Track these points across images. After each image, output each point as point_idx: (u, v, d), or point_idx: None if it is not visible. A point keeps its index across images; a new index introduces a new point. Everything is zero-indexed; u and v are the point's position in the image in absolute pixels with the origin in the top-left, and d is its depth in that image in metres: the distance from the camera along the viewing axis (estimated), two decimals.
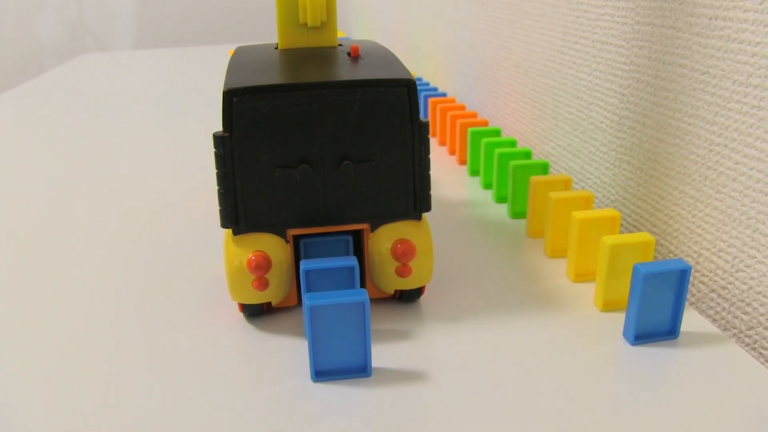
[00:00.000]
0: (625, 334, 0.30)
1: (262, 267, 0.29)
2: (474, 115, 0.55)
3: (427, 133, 0.31)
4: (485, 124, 0.53)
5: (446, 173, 0.51)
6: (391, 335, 0.31)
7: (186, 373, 0.29)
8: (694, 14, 0.34)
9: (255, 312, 0.32)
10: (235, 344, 0.31)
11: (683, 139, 0.36)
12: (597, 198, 0.45)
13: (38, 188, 0.51)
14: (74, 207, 0.47)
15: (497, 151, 0.44)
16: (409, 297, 0.33)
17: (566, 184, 0.39)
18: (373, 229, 0.31)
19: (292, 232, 0.31)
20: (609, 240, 0.31)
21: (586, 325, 0.31)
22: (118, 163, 0.57)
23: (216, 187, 0.29)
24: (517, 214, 0.43)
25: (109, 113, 0.76)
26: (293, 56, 0.33)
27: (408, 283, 0.32)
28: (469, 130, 0.50)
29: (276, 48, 0.36)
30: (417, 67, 0.88)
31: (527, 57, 0.54)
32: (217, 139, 0.29)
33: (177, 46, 1.43)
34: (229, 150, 0.29)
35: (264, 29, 1.57)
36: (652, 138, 0.38)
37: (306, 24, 0.34)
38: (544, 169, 0.42)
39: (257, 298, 0.31)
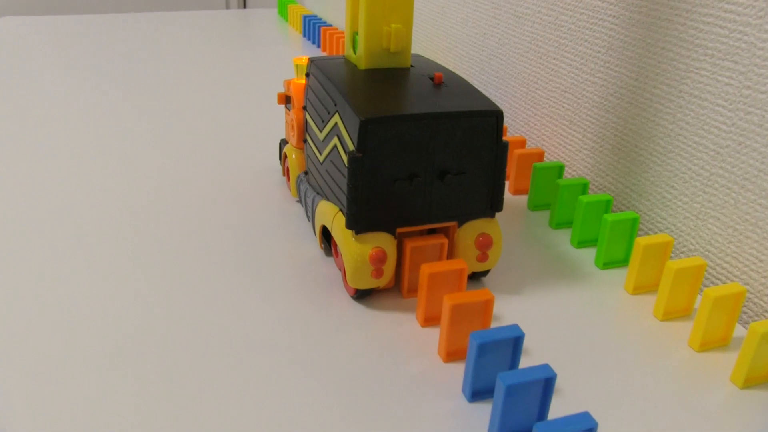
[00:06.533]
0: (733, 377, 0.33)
1: (381, 260, 0.37)
2: (523, 141, 0.55)
3: (507, 151, 0.38)
4: (541, 155, 0.52)
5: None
6: None
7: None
8: None
9: (364, 294, 0.39)
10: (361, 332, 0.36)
11: None
12: (675, 246, 0.46)
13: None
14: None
15: (583, 200, 0.44)
16: (478, 275, 0.42)
17: (668, 246, 0.40)
18: (460, 225, 0.39)
19: (400, 230, 0.38)
20: (713, 293, 0.35)
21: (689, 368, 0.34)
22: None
23: (346, 196, 0.36)
24: (607, 264, 0.43)
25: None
26: (389, 81, 0.40)
27: (484, 267, 0.40)
28: (535, 166, 0.49)
29: (352, 64, 0.42)
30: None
31: (581, 87, 0.53)
32: (352, 159, 0.35)
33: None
34: (361, 167, 0.35)
35: None
36: (752, 202, 0.40)
37: (388, 48, 0.41)
38: (634, 222, 0.43)
39: (373, 284, 0.38)
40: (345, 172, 0.37)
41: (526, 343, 0.36)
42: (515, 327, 0.30)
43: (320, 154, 0.42)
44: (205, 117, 0.68)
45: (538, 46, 0.58)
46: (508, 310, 0.39)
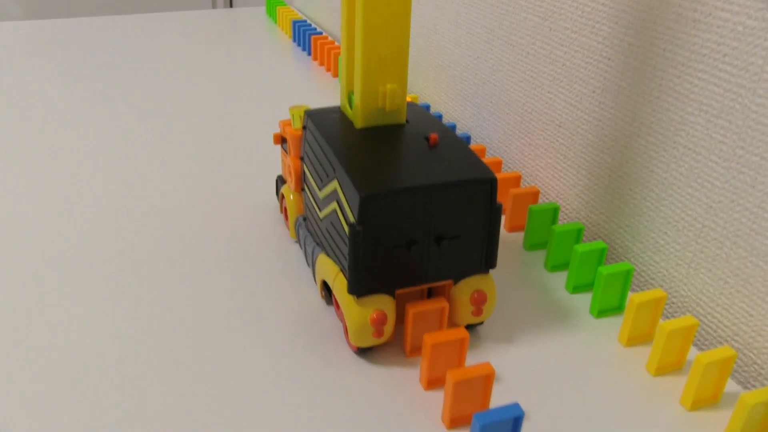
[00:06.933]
0: None
1: (382, 322, 0.38)
2: (518, 178, 0.55)
3: (501, 213, 0.39)
4: (536, 194, 0.53)
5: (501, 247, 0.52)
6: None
7: None
8: None
9: (366, 350, 0.41)
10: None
11: None
12: (668, 297, 0.47)
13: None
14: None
15: (578, 249, 0.45)
16: (472, 327, 0.43)
17: (661, 301, 0.41)
18: (456, 282, 0.41)
19: (399, 291, 0.40)
20: (704, 358, 0.36)
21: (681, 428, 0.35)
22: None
23: (347, 263, 0.38)
24: (602, 313, 0.44)
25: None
26: (385, 145, 0.40)
27: (478, 319, 0.42)
28: (530, 208, 0.50)
29: (348, 120, 0.43)
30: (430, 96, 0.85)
31: (576, 123, 0.54)
32: (353, 232, 0.36)
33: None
34: (361, 238, 0.37)
35: None
36: (744, 259, 0.41)
37: (384, 107, 0.42)
38: (628, 274, 0.44)
39: (374, 342, 0.40)
40: (345, 238, 0.38)
41: (520, 400, 0.37)
42: (516, 406, 0.31)
43: (320, 210, 0.43)
44: (196, 135, 0.68)
45: (533, 78, 0.59)
46: (502, 363, 0.40)
